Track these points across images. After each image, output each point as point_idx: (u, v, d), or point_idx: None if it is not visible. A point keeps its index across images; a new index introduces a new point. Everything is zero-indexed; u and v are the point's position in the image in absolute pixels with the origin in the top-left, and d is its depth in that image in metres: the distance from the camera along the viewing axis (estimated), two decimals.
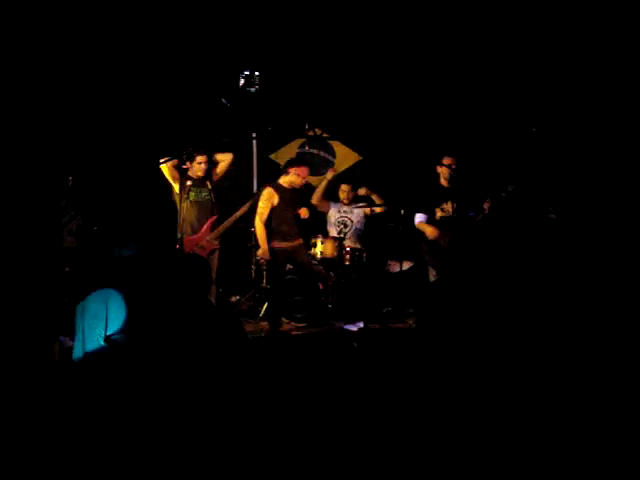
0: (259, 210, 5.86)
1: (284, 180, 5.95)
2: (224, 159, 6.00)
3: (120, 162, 5.86)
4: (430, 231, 5.71)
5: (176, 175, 5.76)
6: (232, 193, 6.46)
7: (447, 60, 6.13)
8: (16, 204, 4.72)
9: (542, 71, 5.92)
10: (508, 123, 6.36)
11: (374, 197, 6.62)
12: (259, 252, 5.98)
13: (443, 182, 5.83)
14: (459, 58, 6.09)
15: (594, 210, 5.64)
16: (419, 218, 5.81)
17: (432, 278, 5.76)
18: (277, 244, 5.87)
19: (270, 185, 5.96)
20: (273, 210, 5.86)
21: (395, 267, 6.69)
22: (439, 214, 5.76)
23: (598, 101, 5.68)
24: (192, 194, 5.77)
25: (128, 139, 5.96)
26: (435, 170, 5.88)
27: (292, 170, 5.92)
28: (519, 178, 5.94)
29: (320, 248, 6.38)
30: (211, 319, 3.45)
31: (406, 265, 6.28)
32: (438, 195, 5.78)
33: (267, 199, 5.85)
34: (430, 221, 5.75)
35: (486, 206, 5.54)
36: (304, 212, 6.07)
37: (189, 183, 5.70)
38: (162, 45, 5.73)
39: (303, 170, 5.96)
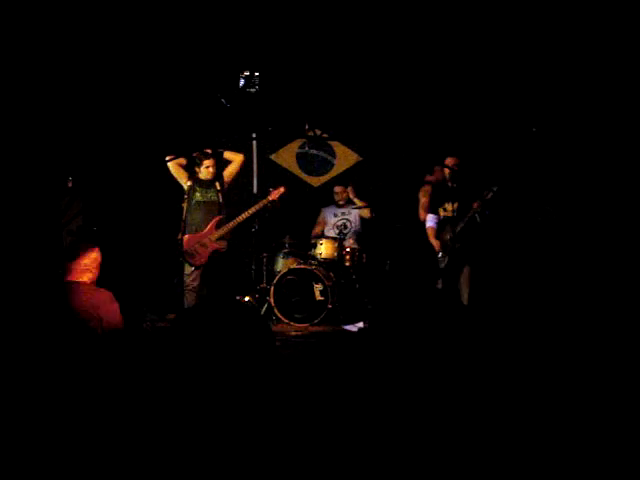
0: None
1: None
2: (234, 159, 5.95)
3: (119, 163, 5.86)
4: (436, 243, 5.80)
5: (182, 175, 5.75)
6: (232, 193, 6.46)
7: (447, 60, 6.13)
8: (17, 204, 4.72)
9: (542, 71, 5.92)
10: (508, 123, 6.36)
11: (357, 200, 6.64)
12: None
13: (448, 182, 5.84)
14: (459, 58, 6.09)
15: (594, 210, 5.64)
16: (430, 221, 5.86)
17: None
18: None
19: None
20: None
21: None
22: (441, 214, 5.77)
23: (598, 101, 5.68)
24: (197, 194, 5.74)
25: (128, 140, 5.96)
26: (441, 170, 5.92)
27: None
28: (518, 178, 5.94)
29: (320, 249, 6.37)
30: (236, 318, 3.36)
31: None
32: (443, 195, 5.80)
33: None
34: (438, 221, 5.80)
35: (475, 205, 5.57)
36: None
37: (189, 183, 5.68)
38: (162, 46, 5.74)
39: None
